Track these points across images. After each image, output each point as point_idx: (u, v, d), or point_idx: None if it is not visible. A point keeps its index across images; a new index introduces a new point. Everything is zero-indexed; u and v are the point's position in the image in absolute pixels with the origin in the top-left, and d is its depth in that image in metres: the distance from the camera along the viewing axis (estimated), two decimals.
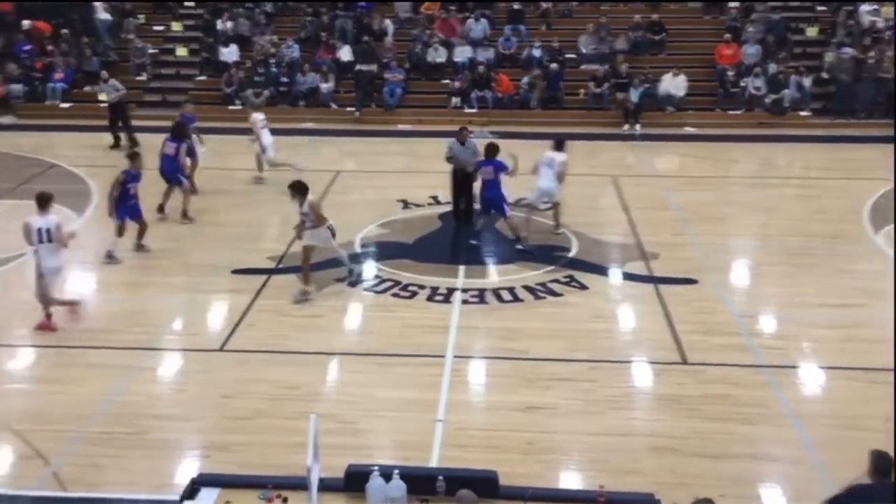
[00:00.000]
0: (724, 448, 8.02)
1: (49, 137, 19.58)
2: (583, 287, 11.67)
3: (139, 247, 12.80)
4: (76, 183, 16.03)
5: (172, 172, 14.10)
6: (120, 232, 12.56)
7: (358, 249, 13.00)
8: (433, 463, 7.76)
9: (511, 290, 11.60)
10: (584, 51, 22.90)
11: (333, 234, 11.41)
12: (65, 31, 23.41)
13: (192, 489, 6.29)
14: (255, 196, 15.50)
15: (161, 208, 14.18)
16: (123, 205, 12.46)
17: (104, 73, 19.39)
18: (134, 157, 12.89)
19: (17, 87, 21.80)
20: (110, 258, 12.49)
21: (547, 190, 13.26)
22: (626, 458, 7.85)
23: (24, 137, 19.51)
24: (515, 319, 10.82)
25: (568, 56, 22.60)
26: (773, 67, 21.46)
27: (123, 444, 8.10)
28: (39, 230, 10.17)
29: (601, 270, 12.26)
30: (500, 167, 12.92)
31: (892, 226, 13.49)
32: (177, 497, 6.43)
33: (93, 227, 13.87)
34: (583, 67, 22.49)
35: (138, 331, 10.35)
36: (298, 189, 11.21)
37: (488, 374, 9.63)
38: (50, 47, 22.97)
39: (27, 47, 22.97)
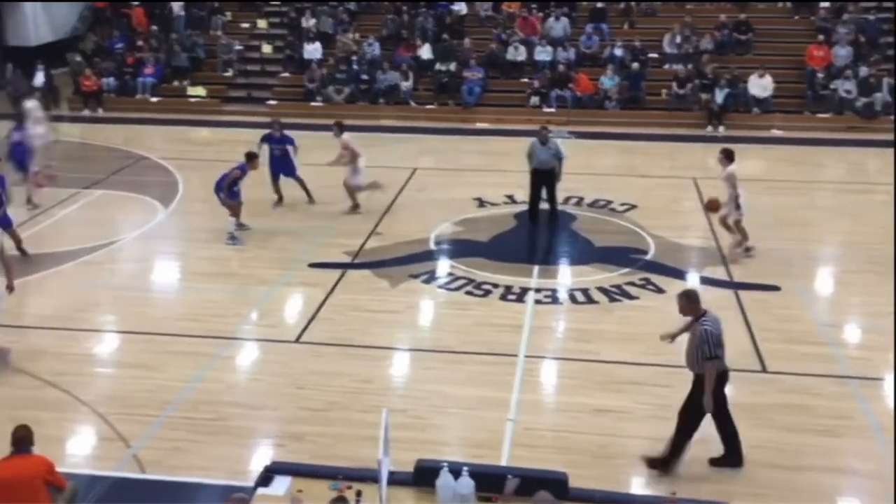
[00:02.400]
0: (801, 459, 7.80)
1: (138, 130, 20.25)
2: (659, 290, 11.49)
3: (240, 225, 13.35)
4: (164, 175, 16.54)
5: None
6: (235, 212, 13.18)
7: (432, 247, 13.08)
8: (502, 462, 7.75)
9: (585, 291, 11.50)
10: (667, 50, 22.53)
11: None
12: (154, 27, 24.18)
13: (266, 477, 6.43)
14: (334, 191, 15.70)
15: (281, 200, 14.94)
16: (230, 190, 13.07)
17: None
18: (251, 156, 13.44)
19: (109, 82, 22.59)
20: (233, 239, 13.07)
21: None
22: (699, 465, 7.71)
23: (114, 130, 20.23)
24: (589, 321, 10.73)
25: (650, 56, 22.27)
26: (864, 70, 20.72)
27: (202, 429, 8.33)
28: None
29: (679, 274, 12.04)
30: None
31: None
32: (251, 484, 6.59)
33: (177, 219, 14.30)
34: (665, 67, 22.13)
35: (218, 320, 10.62)
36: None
37: (560, 374, 9.57)
38: (140, 43, 23.76)
39: (120, 43, 23.80)
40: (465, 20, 24.40)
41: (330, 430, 8.30)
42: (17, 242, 12.33)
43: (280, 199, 14.87)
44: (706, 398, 7.28)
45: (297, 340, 10.19)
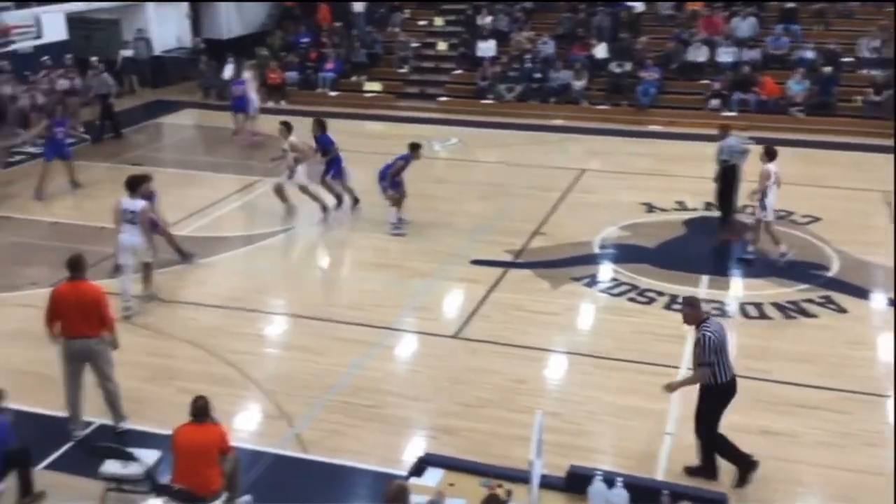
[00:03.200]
0: None
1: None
2: (841, 310, 10.73)
3: (399, 218, 13.56)
4: None
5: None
6: (397, 203, 13.46)
7: (596, 250, 12.82)
8: (658, 476, 7.47)
9: (758, 305, 10.91)
10: (864, 54, 21.04)
11: None
12: (337, 23, 25.10)
13: (419, 467, 6.51)
14: (500, 189, 15.74)
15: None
16: (393, 180, 13.36)
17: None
18: (415, 147, 13.57)
19: (293, 75, 23.67)
20: (397, 229, 13.39)
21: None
22: (876, 499, 7.12)
23: (294, 122, 20.99)
24: (760, 337, 10.17)
25: (844, 59, 20.87)
26: None
27: (360, 415, 8.54)
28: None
29: (864, 293, 11.20)
30: None
31: None
32: (404, 472, 6.68)
33: (347, 208, 14.73)
34: (861, 72, 20.67)
35: (380, 310, 10.85)
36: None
37: None
38: (324, 39, 24.74)
39: (305, 39, 24.87)
40: (643, 18, 23.80)
41: (482, 427, 8.29)
42: None
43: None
44: (672, 385, 7.57)
45: (456, 336, 10.26)
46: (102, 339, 8.01)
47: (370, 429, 8.33)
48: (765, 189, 11.88)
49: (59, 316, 7.95)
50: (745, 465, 7.44)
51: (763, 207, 11.99)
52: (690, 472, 7.49)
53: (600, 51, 22.49)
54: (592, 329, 10.70)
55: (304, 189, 13.85)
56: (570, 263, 12.20)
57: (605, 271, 12.09)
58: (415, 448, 7.90)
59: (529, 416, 7.55)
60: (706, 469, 7.48)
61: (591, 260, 12.46)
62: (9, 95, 18.31)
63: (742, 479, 7.41)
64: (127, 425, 8.24)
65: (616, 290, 11.45)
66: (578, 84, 21.68)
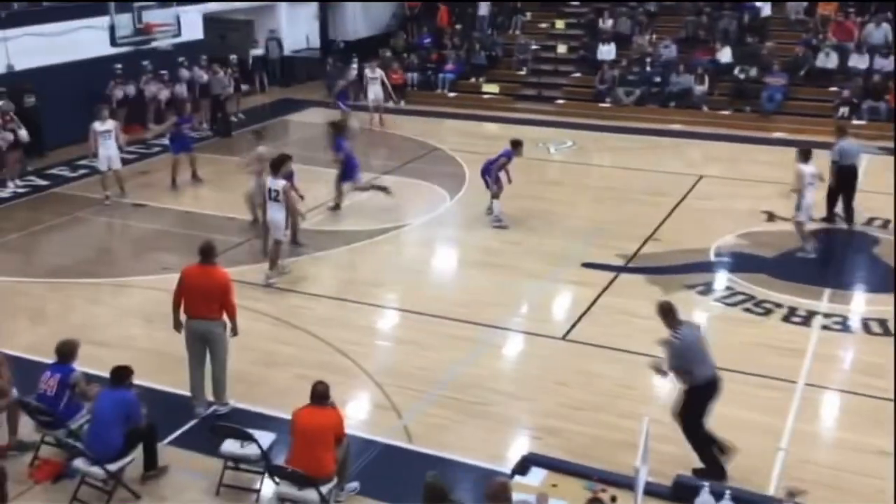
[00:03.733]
0: None
1: (435, 123, 21.38)
2: None
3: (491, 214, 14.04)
4: (453, 166, 17.32)
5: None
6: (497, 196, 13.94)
7: (712, 258, 12.55)
8: (770, 492, 7.30)
9: (882, 322, 10.46)
10: None
11: None
12: (458, 25, 25.38)
13: (523, 466, 6.59)
14: (614, 193, 15.61)
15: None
16: (496, 175, 13.85)
17: None
18: (517, 144, 13.91)
19: (414, 76, 24.09)
20: (499, 221, 13.80)
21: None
22: None
23: (413, 122, 21.49)
24: (882, 354, 9.73)
25: None
26: None
27: (466, 411, 8.68)
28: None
29: None
30: None
31: None
32: (508, 470, 6.77)
33: (461, 209, 14.93)
34: None
35: (489, 309, 10.97)
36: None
37: (842, 409, 8.82)
38: (445, 41, 25.07)
39: (427, 40, 25.26)
40: (770, 23, 23.06)
41: (587, 430, 8.30)
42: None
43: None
44: (655, 365, 7.65)
45: (563, 337, 10.27)
46: (221, 322, 8.44)
47: (475, 425, 8.46)
48: (800, 190, 12.12)
49: (184, 295, 8.45)
50: (715, 474, 7.28)
51: (798, 208, 12.24)
52: (698, 473, 7.30)
53: (724, 55, 21.94)
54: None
55: (249, 198, 13.56)
56: (684, 270, 12.00)
57: (721, 280, 11.84)
58: (519, 447, 7.99)
59: (636, 421, 7.51)
60: (711, 470, 7.37)
61: (705, 268, 12.22)
62: (152, 92, 19.41)
63: (701, 473, 7.26)
64: (225, 410, 8.61)
65: (731, 300, 11.20)
66: (700, 88, 21.20)
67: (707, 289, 11.55)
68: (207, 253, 8.53)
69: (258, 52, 24.93)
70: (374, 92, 20.31)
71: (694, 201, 15.11)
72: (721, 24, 22.79)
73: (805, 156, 12.40)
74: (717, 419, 8.44)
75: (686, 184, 15.94)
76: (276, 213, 11.48)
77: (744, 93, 20.95)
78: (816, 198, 12.69)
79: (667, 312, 7.56)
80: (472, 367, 9.58)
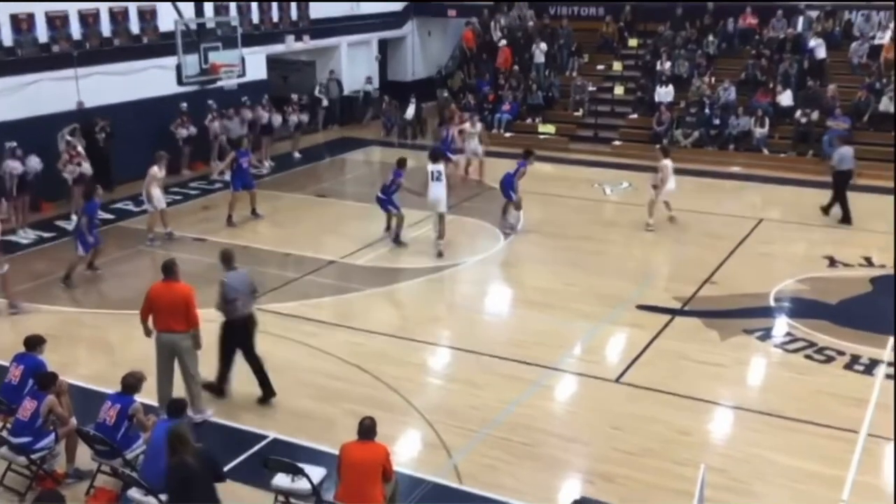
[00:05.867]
0: None
1: (491, 163, 21.38)
2: None
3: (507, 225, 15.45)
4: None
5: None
6: (519, 206, 15.51)
7: (772, 303, 12.30)
8: None
9: None
10: None
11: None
12: (515, 67, 25.57)
13: None
14: (671, 235, 15.45)
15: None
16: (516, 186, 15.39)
17: None
18: (528, 153, 15.34)
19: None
20: (512, 229, 15.32)
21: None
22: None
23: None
24: None
25: None
26: None
27: (516, 452, 8.59)
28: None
29: None
30: None
31: None
32: None
33: (515, 248, 14.89)
34: None
35: (542, 349, 10.88)
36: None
37: None
38: (502, 81, 25.26)
39: (486, 87, 25.38)
40: (832, 66, 22.74)
41: (641, 476, 8.13)
42: None
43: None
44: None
45: (617, 380, 10.13)
46: (188, 335, 8.89)
47: (526, 466, 8.36)
48: (659, 184, 15.20)
49: (153, 311, 8.97)
50: (213, 389, 9.45)
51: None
52: (206, 388, 9.27)
53: (785, 98, 21.68)
54: (764, 384, 10.26)
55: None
56: (743, 315, 11.78)
57: (781, 325, 11.59)
58: (570, 490, 7.87)
59: (692, 469, 7.38)
60: (217, 386, 9.44)
61: (765, 312, 11.98)
62: (215, 130, 19.91)
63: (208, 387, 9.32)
64: (203, 417, 9.02)
65: (792, 346, 10.94)
66: (760, 131, 20.96)
67: (766, 334, 11.30)
68: (169, 269, 9.06)
69: (319, 92, 25.44)
70: (473, 145, 19.51)
71: (753, 245, 14.87)
72: (782, 67, 22.56)
73: (665, 152, 15.70)
74: (779, 468, 8.26)
75: (745, 227, 15.71)
76: (437, 191, 14.17)
77: (805, 136, 20.65)
78: None
79: (226, 258, 9.47)
80: (524, 407, 9.48)
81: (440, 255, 14.18)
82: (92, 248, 13.27)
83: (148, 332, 9.14)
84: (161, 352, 8.99)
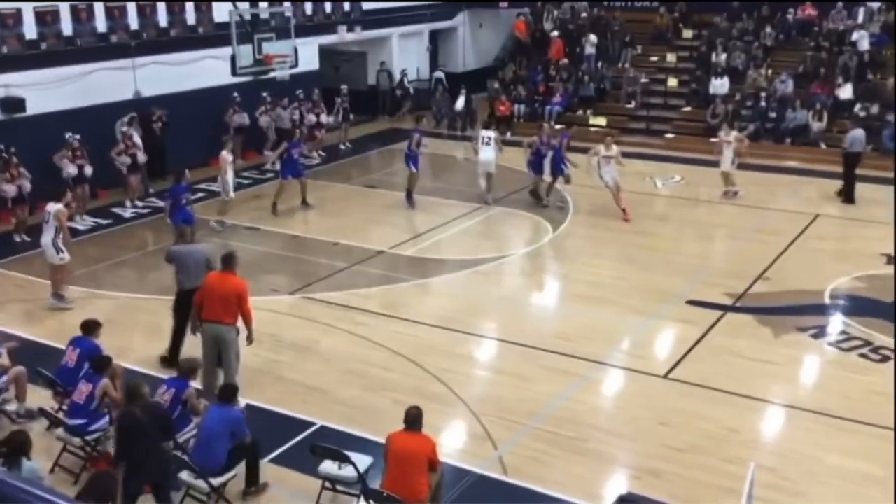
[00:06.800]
0: None
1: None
2: None
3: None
4: (558, 199, 17.15)
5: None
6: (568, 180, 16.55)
7: (827, 300, 12.05)
8: None
9: None
10: None
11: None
12: (565, 60, 25.36)
13: None
14: (723, 230, 15.23)
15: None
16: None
17: None
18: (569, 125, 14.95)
19: (521, 108, 24.19)
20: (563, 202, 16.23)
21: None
22: None
23: (518, 153, 21.52)
24: None
25: None
26: None
27: (563, 446, 8.56)
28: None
29: None
30: None
31: None
32: None
33: (563, 241, 14.81)
34: None
35: (590, 343, 10.82)
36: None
37: None
38: (553, 73, 25.09)
39: (539, 76, 25.27)
40: (892, 59, 22.11)
41: (689, 473, 8.05)
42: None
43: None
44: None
45: (666, 376, 10.02)
46: (234, 328, 8.97)
47: (572, 461, 8.33)
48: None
49: (204, 300, 9.05)
50: (169, 361, 9.72)
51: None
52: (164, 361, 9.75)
53: (845, 91, 21.16)
54: (817, 383, 10.07)
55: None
56: (796, 312, 11.57)
57: (836, 323, 11.36)
58: (617, 485, 7.82)
59: (741, 467, 7.27)
60: (171, 356, 9.77)
61: (819, 310, 11.75)
62: (267, 121, 20.13)
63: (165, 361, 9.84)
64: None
65: (846, 345, 10.71)
66: (818, 125, 20.50)
67: (821, 332, 11.09)
68: (228, 261, 9.09)
69: (370, 83, 25.56)
70: (610, 171, 15.82)
71: (809, 241, 14.57)
72: (841, 60, 22.02)
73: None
74: (830, 468, 8.11)
75: (801, 222, 15.40)
76: (487, 155, 16.31)
77: (865, 130, 20.10)
78: None
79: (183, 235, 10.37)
80: (571, 401, 9.45)
81: (487, 202, 16.11)
82: (183, 225, 12.72)
83: (195, 329, 9.25)
84: (206, 341, 9.13)
